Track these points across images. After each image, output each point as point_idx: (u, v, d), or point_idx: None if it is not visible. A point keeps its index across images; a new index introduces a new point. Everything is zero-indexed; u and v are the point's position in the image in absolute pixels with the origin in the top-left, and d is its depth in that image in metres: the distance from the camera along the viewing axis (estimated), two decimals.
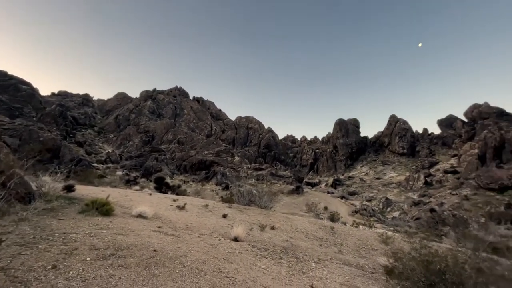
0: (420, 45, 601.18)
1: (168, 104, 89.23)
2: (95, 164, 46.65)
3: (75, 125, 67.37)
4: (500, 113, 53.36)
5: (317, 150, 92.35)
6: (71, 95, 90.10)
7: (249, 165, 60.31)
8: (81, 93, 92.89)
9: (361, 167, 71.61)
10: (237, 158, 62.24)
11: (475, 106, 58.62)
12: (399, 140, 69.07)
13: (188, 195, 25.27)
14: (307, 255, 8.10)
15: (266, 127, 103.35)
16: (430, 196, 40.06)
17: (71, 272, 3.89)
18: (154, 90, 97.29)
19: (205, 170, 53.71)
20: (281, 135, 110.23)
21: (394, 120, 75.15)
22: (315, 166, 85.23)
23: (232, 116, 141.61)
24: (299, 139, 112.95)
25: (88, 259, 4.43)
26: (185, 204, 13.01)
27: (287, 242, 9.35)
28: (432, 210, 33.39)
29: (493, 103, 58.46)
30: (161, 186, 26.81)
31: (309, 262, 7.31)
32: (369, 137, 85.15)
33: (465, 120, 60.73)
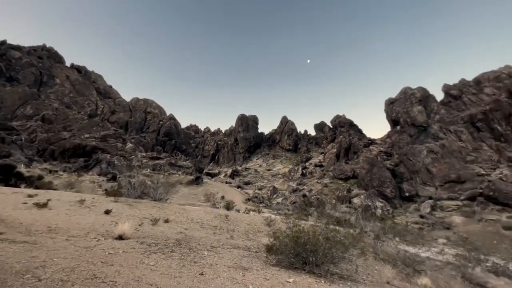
0: (308, 61, 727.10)
1: (28, 67, 65.24)
2: None
3: None
4: (351, 124, 73.56)
5: (219, 142, 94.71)
6: None
7: (144, 154, 54.06)
8: None
9: (256, 159, 79.65)
10: (129, 145, 54.28)
11: (337, 117, 77.92)
12: (287, 138, 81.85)
13: (55, 189, 19.87)
14: (200, 244, 8.31)
15: (167, 114, 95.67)
16: (304, 184, 50.12)
17: None
18: (4, 42, 68.41)
19: (84, 157, 43.63)
20: (184, 124, 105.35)
21: (285, 121, 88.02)
22: (217, 157, 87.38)
23: (127, 97, 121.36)
24: (202, 129, 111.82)
25: None
26: (48, 200, 10.21)
27: (181, 234, 9.21)
28: (304, 196, 42.01)
29: (349, 115, 79.78)
30: (9, 178, 19.73)
31: (202, 251, 7.54)
32: (265, 133, 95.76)
33: (331, 126, 79.65)
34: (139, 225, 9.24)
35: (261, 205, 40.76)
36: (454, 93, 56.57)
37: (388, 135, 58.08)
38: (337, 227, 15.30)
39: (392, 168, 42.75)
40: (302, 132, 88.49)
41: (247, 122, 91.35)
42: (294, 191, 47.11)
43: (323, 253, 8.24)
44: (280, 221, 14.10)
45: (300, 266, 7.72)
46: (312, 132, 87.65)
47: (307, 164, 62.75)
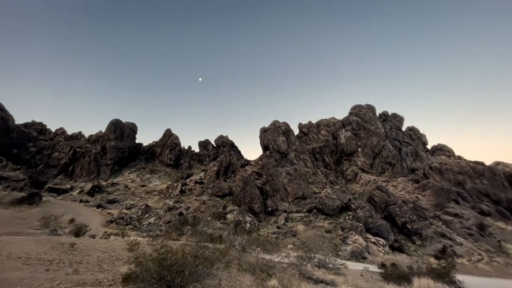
0: (200, 79, 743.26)
1: None
2: None
3: None
4: (232, 145, 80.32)
5: (78, 149, 74.77)
6: None
7: None
8: None
9: (129, 173, 68.93)
10: None
11: (221, 137, 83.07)
12: (169, 152, 77.16)
13: None
14: None
15: None
16: (182, 202, 48.19)
17: None
18: None
19: None
20: (23, 120, 75.62)
21: (168, 134, 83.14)
22: (71, 168, 67.88)
23: None
24: (53, 130, 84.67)
25: None
26: None
27: None
28: (180, 214, 40.23)
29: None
30: None
31: None
32: (144, 145, 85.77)
33: (214, 145, 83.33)
34: None
35: (127, 227, 34.98)
36: (305, 131, 75.61)
37: (260, 158, 67.86)
38: (209, 244, 15.72)
39: (261, 186, 49.74)
40: (186, 147, 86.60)
41: (122, 130, 78.59)
42: (170, 209, 44.14)
43: (189, 272, 8.21)
44: (146, 243, 12.72)
45: None
46: (196, 148, 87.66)
47: (187, 180, 61.23)
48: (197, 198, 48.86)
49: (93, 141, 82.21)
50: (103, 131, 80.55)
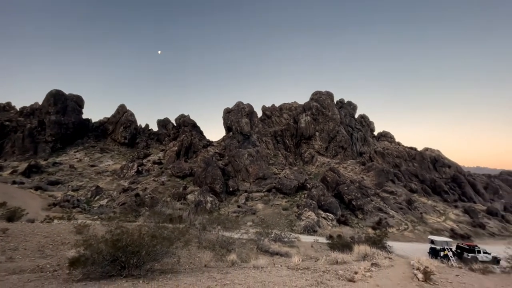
0: (159, 52, 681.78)
1: None
2: None
3: None
4: (194, 125, 77.43)
5: (7, 123, 63.47)
6: None
7: None
8: None
9: (75, 152, 61.82)
10: None
11: (182, 116, 79.09)
12: (123, 130, 70.95)
13: None
14: None
15: None
16: (138, 183, 45.68)
17: None
18: None
19: None
20: None
21: (122, 110, 75.88)
22: None
23: None
24: None
25: None
26: None
27: None
28: (137, 195, 38.29)
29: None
30: None
31: None
32: (93, 121, 77.05)
33: (175, 124, 79.25)
34: None
35: (74, 210, 32.04)
36: (268, 113, 76.84)
37: (223, 139, 67.35)
38: (168, 224, 15.50)
39: (222, 167, 49.90)
40: (143, 126, 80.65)
41: (65, 103, 68.78)
42: (125, 190, 41.58)
43: (146, 251, 8.06)
44: (97, 226, 11.95)
45: (116, 272, 7.04)
46: (154, 127, 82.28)
47: (144, 161, 57.78)
48: (156, 179, 46.84)
49: (27, 114, 70.52)
50: (40, 103, 69.41)
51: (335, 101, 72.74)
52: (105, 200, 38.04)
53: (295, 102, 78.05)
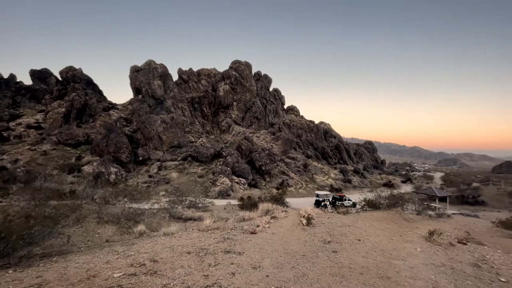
0: None
1: None
2: None
3: None
4: (90, 82, 62.63)
5: None
6: None
7: None
8: None
9: None
10: None
11: (71, 69, 62.04)
12: None
13: None
14: None
15: None
16: (4, 153, 34.50)
17: None
18: None
19: None
20: None
21: None
22: None
23: None
24: None
25: None
26: None
27: None
28: (3, 168, 29.08)
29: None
30: None
31: None
32: None
33: (60, 78, 61.64)
34: None
35: None
36: (185, 78, 71.17)
37: (130, 102, 58.49)
38: (52, 202, 12.85)
39: (130, 134, 44.12)
40: (6, 76, 58.85)
41: None
42: None
43: (18, 236, 6.59)
44: None
45: None
46: (26, 80, 61.38)
47: (12, 124, 43.38)
48: (33, 148, 36.67)
49: None
50: None
51: (253, 72, 74.74)
52: None
53: (214, 68, 75.20)
